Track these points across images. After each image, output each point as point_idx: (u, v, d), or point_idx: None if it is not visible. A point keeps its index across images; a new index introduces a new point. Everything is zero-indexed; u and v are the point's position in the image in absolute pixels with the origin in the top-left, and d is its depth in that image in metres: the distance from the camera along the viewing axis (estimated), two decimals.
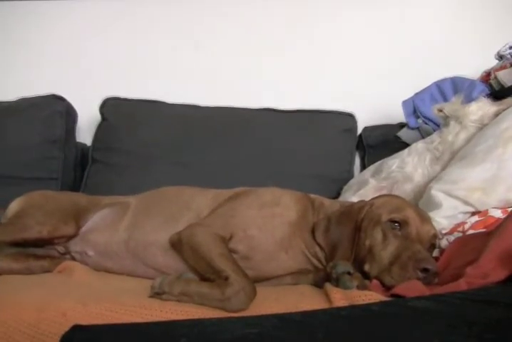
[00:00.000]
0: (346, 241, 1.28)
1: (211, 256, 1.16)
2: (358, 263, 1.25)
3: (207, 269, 1.15)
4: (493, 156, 1.48)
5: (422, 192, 1.65)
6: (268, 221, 1.32)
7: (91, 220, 1.49)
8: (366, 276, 1.23)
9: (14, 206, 1.51)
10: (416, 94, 2.18)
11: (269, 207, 1.35)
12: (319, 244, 1.32)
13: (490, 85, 2.03)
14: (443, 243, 1.39)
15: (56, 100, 2.20)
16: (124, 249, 1.39)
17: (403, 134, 2.19)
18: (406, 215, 1.27)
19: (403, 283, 1.09)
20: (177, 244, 1.29)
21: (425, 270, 1.13)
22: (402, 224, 1.25)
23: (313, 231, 1.34)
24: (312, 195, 1.47)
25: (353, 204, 1.39)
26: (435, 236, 1.30)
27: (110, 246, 1.41)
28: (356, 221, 1.30)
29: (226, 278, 1.07)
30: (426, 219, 1.31)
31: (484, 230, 1.32)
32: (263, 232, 1.30)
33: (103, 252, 1.41)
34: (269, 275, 1.31)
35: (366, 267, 1.23)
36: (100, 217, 1.50)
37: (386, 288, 1.12)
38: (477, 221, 1.37)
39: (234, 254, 1.25)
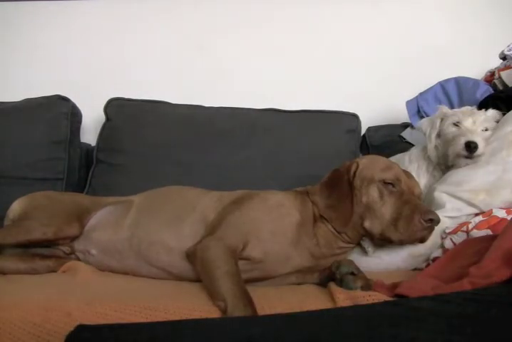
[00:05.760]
0: (345, 200, 1.34)
1: (216, 274, 1.14)
2: (357, 220, 1.33)
3: (209, 287, 1.14)
4: (497, 158, 1.49)
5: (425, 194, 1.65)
6: (278, 224, 1.32)
7: (94, 218, 1.49)
8: (366, 232, 1.34)
9: (16, 207, 1.51)
10: (420, 94, 2.18)
11: (276, 209, 1.36)
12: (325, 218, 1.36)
13: (494, 85, 2.03)
14: (447, 242, 1.39)
15: (61, 100, 2.20)
16: (127, 247, 1.39)
17: (407, 134, 2.18)
18: (396, 173, 1.37)
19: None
20: (191, 256, 1.28)
21: (430, 220, 1.25)
22: (395, 181, 1.34)
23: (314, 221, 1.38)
24: (300, 188, 1.49)
25: (338, 167, 1.45)
26: (420, 188, 1.46)
27: (113, 244, 1.41)
28: (348, 179, 1.38)
29: (223, 300, 1.06)
30: (410, 175, 1.45)
31: (488, 230, 1.33)
32: (275, 235, 1.31)
33: (105, 250, 1.41)
34: (277, 274, 1.32)
35: (367, 224, 1.32)
36: (102, 215, 1.50)
37: (390, 286, 1.12)
38: (481, 221, 1.37)
39: (248, 261, 1.27)
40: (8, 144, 2.07)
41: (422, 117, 2.11)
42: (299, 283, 1.32)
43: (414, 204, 1.29)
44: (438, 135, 1.69)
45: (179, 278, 1.33)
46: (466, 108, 1.69)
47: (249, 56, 2.55)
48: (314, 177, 2.08)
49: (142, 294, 1.12)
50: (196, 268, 1.25)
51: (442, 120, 1.69)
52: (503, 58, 2.07)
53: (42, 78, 2.52)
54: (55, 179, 2.11)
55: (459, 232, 1.38)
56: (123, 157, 2.15)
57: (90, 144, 2.36)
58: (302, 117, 2.22)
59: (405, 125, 2.25)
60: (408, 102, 2.18)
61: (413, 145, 1.98)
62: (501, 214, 1.37)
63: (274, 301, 1.08)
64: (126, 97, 2.28)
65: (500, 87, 2.00)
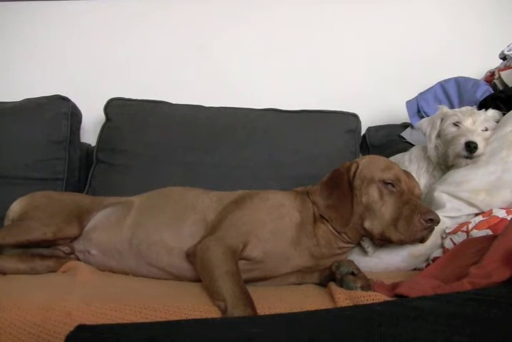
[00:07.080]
0: (345, 200, 1.35)
1: (216, 274, 1.14)
2: (357, 220, 1.34)
3: (209, 287, 1.13)
4: (497, 158, 1.49)
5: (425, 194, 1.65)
6: (278, 223, 1.32)
7: (94, 219, 1.49)
8: (367, 232, 1.34)
9: (16, 207, 1.51)
10: (420, 94, 2.18)
11: (276, 209, 1.36)
12: (325, 218, 1.36)
13: (494, 85, 2.03)
14: (447, 242, 1.39)
15: (61, 100, 2.20)
16: (127, 247, 1.39)
17: (407, 134, 2.18)
18: (396, 173, 1.37)
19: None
20: (191, 256, 1.28)
21: (430, 220, 1.25)
22: (395, 181, 1.34)
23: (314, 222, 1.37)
24: (300, 188, 1.49)
25: (338, 167, 1.45)
26: (420, 189, 1.45)
27: (113, 245, 1.41)
28: (348, 179, 1.38)
29: (223, 300, 1.06)
30: (410, 175, 1.45)
31: (488, 230, 1.33)
32: (275, 235, 1.30)
33: (105, 251, 1.42)
34: (277, 274, 1.32)
35: (367, 224, 1.33)
36: (103, 216, 1.50)
37: (390, 286, 1.12)
38: (481, 221, 1.37)
39: (248, 261, 1.27)
40: (7, 144, 2.07)
41: (422, 117, 2.10)
42: (299, 283, 1.32)
43: (414, 204, 1.29)
44: (438, 135, 1.69)
45: (179, 278, 1.33)
46: (466, 108, 1.69)
47: (249, 56, 2.55)
48: (314, 177, 2.08)
49: (142, 294, 1.12)
50: (196, 268, 1.25)
51: (442, 120, 1.68)
52: (503, 58, 2.07)
53: (42, 78, 2.53)
54: (55, 179, 2.12)
55: (459, 232, 1.38)
56: (123, 157, 2.15)
57: (90, 145, 2.36)
58: (302, 117, 2.22)
59: (405, 125, 2.25)
60: (408, 103, 2.18)
61: (413, 145, 1.97)
62: (501, 214, 1.37)
63: (274, 301, 1.08)
64: (126, 97, 2.28)
65: (500, 87, 2.00)
